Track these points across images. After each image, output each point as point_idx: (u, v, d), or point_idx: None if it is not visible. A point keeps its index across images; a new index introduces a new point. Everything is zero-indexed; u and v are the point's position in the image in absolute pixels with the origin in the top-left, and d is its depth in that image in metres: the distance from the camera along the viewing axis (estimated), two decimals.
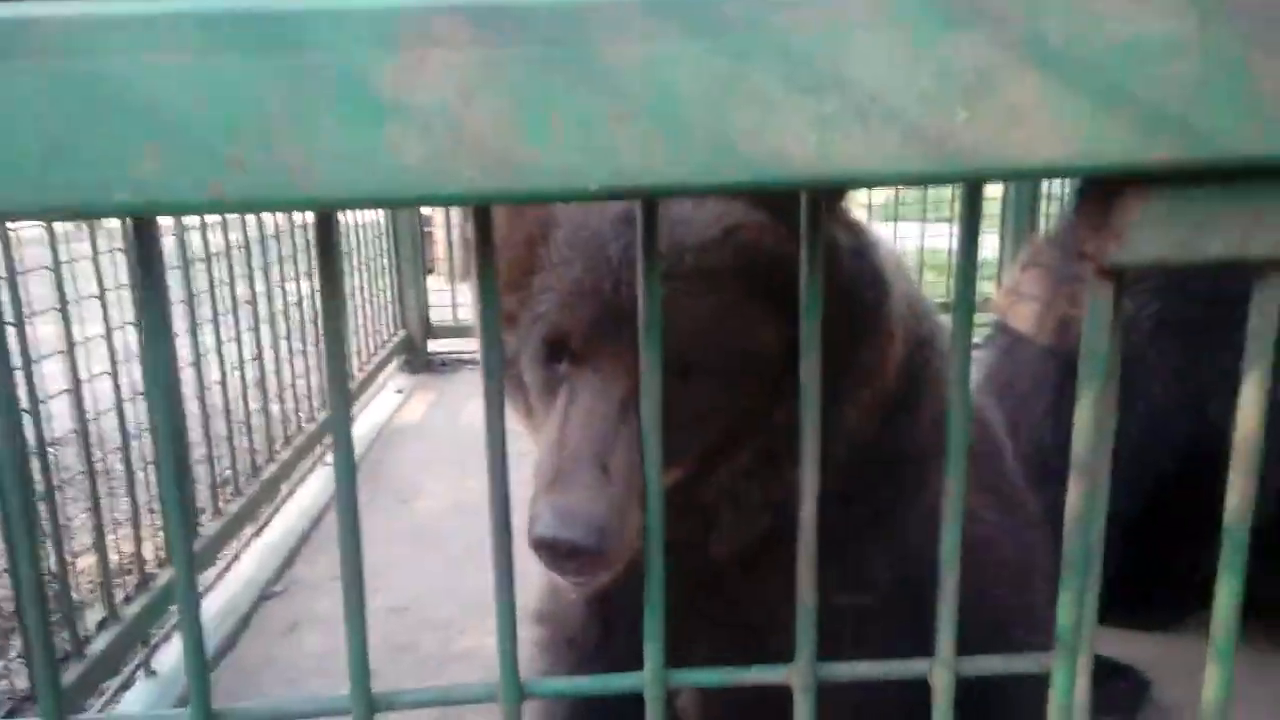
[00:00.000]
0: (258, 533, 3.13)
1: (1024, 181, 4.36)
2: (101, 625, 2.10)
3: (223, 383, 2.87)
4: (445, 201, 0.47)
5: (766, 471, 1.06)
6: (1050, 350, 2.06)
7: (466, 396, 4.36)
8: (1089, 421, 0.54)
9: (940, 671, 0.65)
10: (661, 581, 0.64)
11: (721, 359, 0.99)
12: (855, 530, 1.08)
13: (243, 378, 3.02)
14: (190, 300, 2.66)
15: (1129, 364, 1.98)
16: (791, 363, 0.96)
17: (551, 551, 0.83)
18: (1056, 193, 4.82)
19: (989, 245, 5.12)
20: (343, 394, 0.58)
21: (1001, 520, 1.21)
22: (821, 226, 0.53)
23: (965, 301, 0.55)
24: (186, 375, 2.62)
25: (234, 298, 2.98)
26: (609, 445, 0.90)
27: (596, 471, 0.87)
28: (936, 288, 4.97)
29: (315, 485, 3.52)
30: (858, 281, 1.01)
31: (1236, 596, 0.56)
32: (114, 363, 2.23)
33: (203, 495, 2.73)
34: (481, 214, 0.54)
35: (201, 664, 0.60)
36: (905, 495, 1.12)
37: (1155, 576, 2.32)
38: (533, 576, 1.37)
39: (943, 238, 4.84)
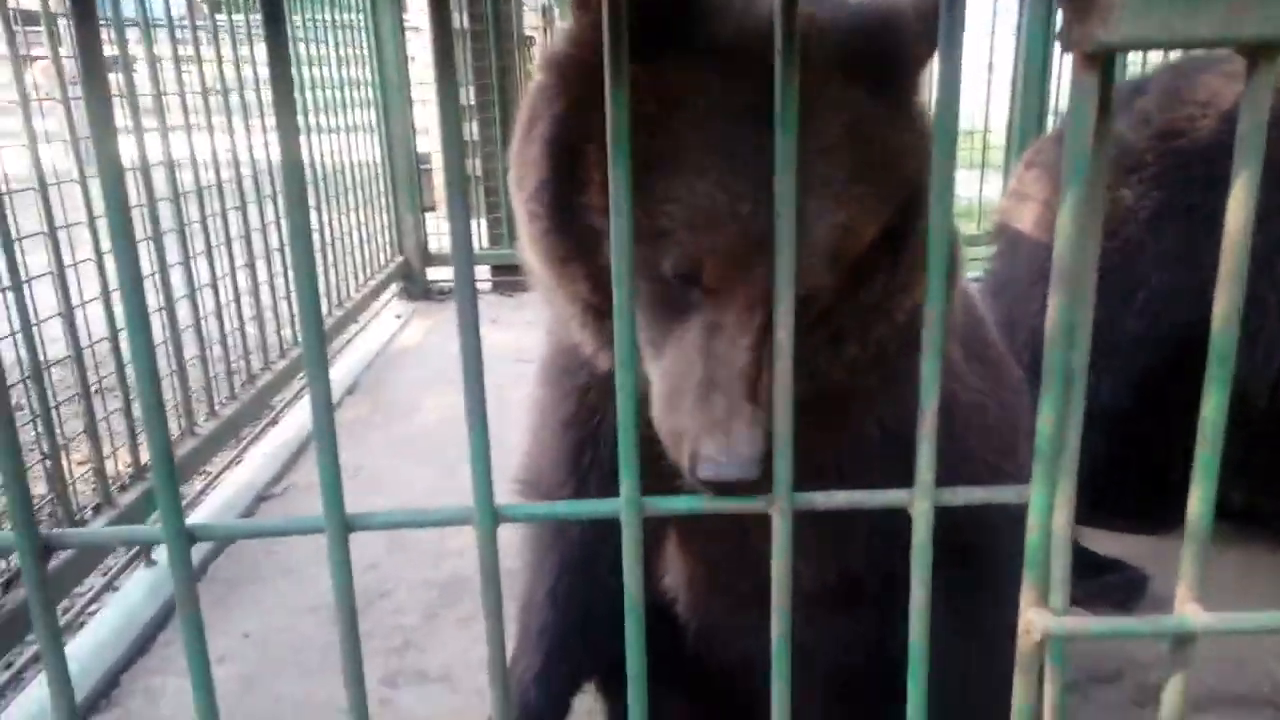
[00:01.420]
0: (254, 440, 3.16)
1: None
2: (97, 510, 2.13)
3: (215, 297, 2.86)
4: None
5: (831, 349, 1.03)
6: (1049, 246, 2.03)
7: None
8: (1071, 226, 0.52)
9: (920, 501, 0.64)
10: (634, 411, 0.63)
11: (845, 256, 0.94)
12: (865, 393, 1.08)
13: (234, 285, 3.00)
14: (183, 229, 2.64)
15: (1128, 255, 1.97)
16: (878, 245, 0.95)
17: (719, 487, 0.83)
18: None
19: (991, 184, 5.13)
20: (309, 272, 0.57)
21: (986, 385, 1.21)
22: None
23: (949, 111, 0.53)
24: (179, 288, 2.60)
25: (225, 222, 2.95)
26: (756, 374, 0.88)
27: (751, 407, 0.84)
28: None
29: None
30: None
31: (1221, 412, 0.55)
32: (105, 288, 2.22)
33: (199, 405, 2.74)
34: None
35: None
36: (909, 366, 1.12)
37: (1155, 478, 2.33)
38: (512, 443, 1.38)
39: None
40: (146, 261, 2.42)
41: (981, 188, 5.16)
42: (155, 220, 2.47)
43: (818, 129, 0.90)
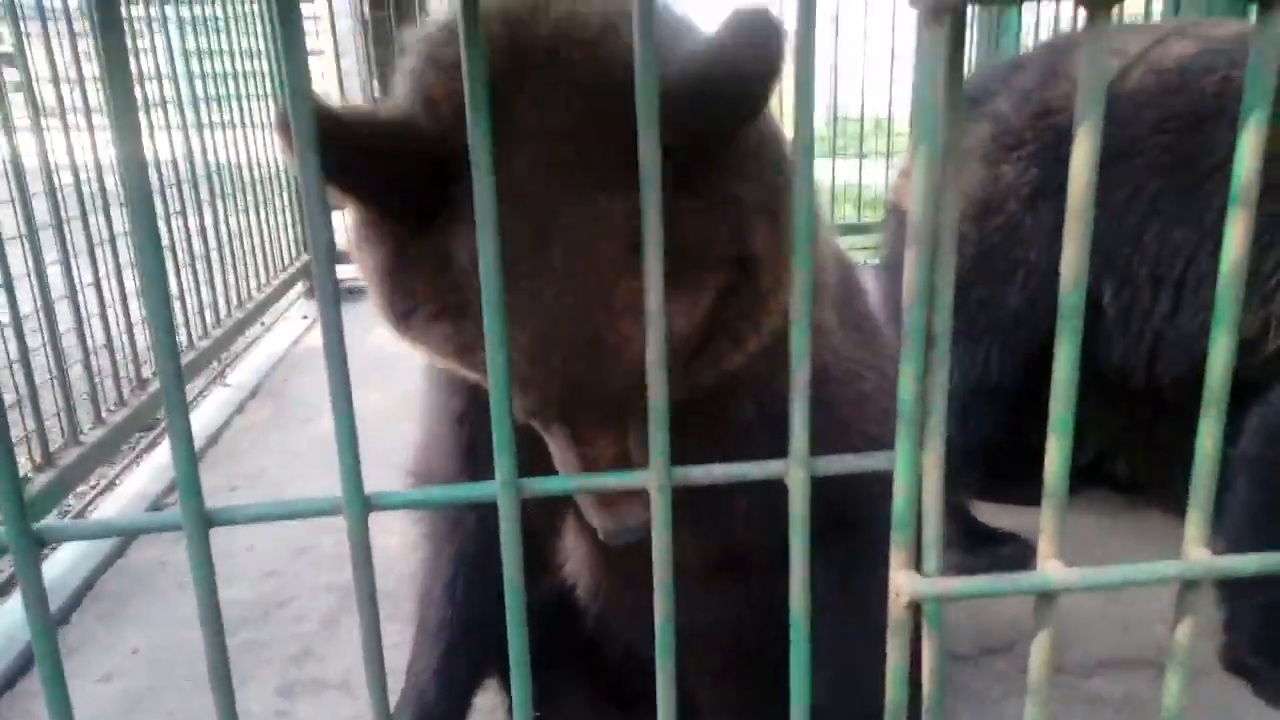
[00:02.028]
0: (149, 448, 3.03)
1: None
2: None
3: (99, 299, 2.74)
4: None
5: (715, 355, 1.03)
6: None
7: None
8: (923, 186, 0.52)
9: (795, 470, 0.64)
10: (506, 393, 0.62)
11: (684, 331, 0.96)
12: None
13: (120, 286, 2.87)
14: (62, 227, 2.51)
15: (1009, 232, 2.03)
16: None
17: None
18: None
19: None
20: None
21: (863, 355, 1.22)
22: None
23: (806, 87, 0.53)
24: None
25: (108, 220, 2.82)
26: (627, 458, 0.96)
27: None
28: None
29: (212, 404, 3.44)
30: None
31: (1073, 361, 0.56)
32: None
33: (84, 413, 2.61)
34: None
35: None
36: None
37: (1040, 452, 2.40)
38: (409, 436, 1.35)
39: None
40: (20, 261, 2.30)
41: (888, 176, 5.28)
42: (29, 219, 2.34)
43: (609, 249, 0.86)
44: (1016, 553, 2.14)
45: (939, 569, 0.64)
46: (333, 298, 0.58)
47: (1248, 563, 0.61)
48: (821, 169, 5.12)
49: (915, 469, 0.60)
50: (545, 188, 0.84)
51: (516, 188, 0.82)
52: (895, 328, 2.16)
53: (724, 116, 0.82)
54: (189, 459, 0.58)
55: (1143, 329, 1.90)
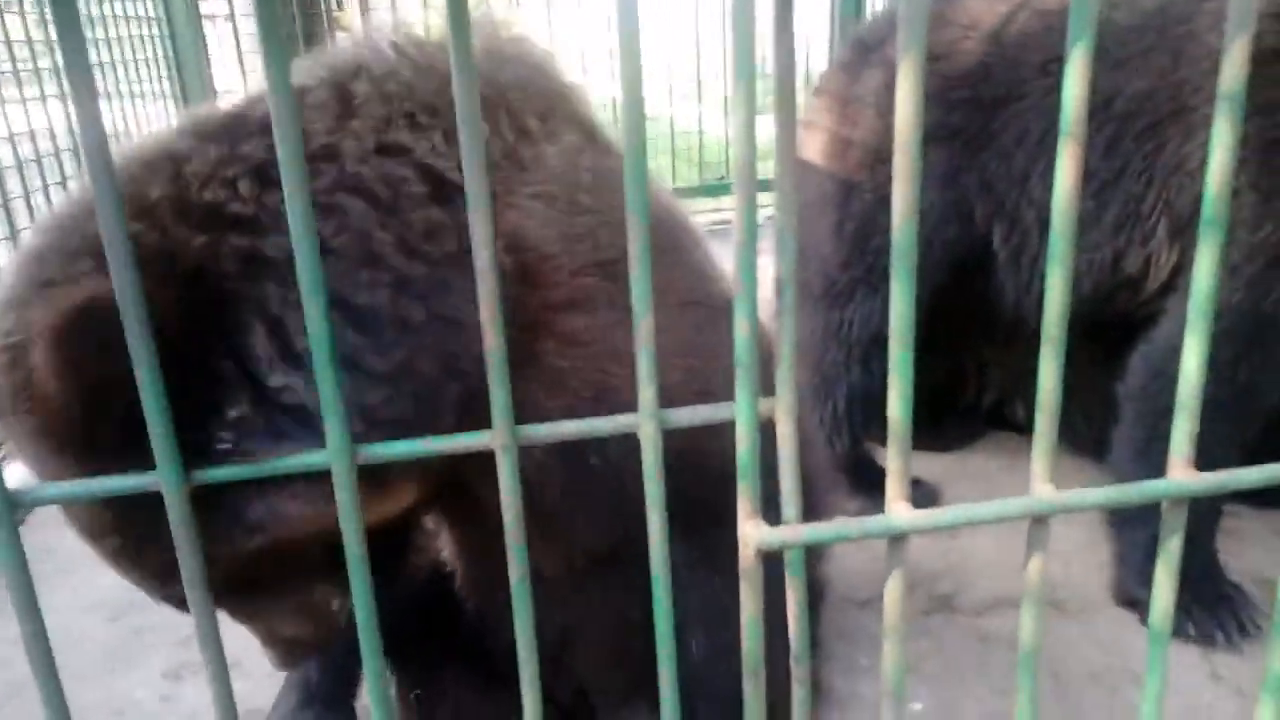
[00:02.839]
0: None
1: None
2: None
3: None
4: None
5: None
6: (832, 174, 2.07)
7: None
8: (742, 123, 0.50)
9: (646, 423, 0.62)
10: (331, 361, 0.58)
11: None
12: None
13: None
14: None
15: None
16: None
17: None
18: None
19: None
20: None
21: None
22: None
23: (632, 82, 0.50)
24: None
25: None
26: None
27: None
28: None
29: None
30: None
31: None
32: None
33: None
34: None
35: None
36: None
37: (944, 398, 2.45)
38: None
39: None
40: None
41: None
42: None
43: None
44: (918, 496, 2.17)
45: (798, 517, 0.63)
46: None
47: (1093, 496, 0.61)
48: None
49: (754, 417, 0.58)
50: None
51: None
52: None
53: None
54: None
55: (1031, 273, 1.93)
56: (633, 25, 0.53)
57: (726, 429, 0.63)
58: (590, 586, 1.22)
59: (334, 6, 5.07)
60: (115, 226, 0.50)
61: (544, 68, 1.13)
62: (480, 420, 1.02)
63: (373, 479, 0.98)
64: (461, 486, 1.13)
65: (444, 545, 1.28)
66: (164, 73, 4.26)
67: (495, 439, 0.63)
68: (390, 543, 1.33)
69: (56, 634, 1.88)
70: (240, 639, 1.64)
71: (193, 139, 0.96)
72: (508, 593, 1.27)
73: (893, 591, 0.62)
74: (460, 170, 0.99)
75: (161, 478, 0.58)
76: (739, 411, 0.58)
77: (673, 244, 1.18)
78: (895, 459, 0.59)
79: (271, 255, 0.92)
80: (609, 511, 1.09)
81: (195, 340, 0.91)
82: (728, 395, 1.05)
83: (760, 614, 0.63)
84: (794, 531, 0.59)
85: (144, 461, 0.57)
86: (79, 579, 2.09)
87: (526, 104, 1.07)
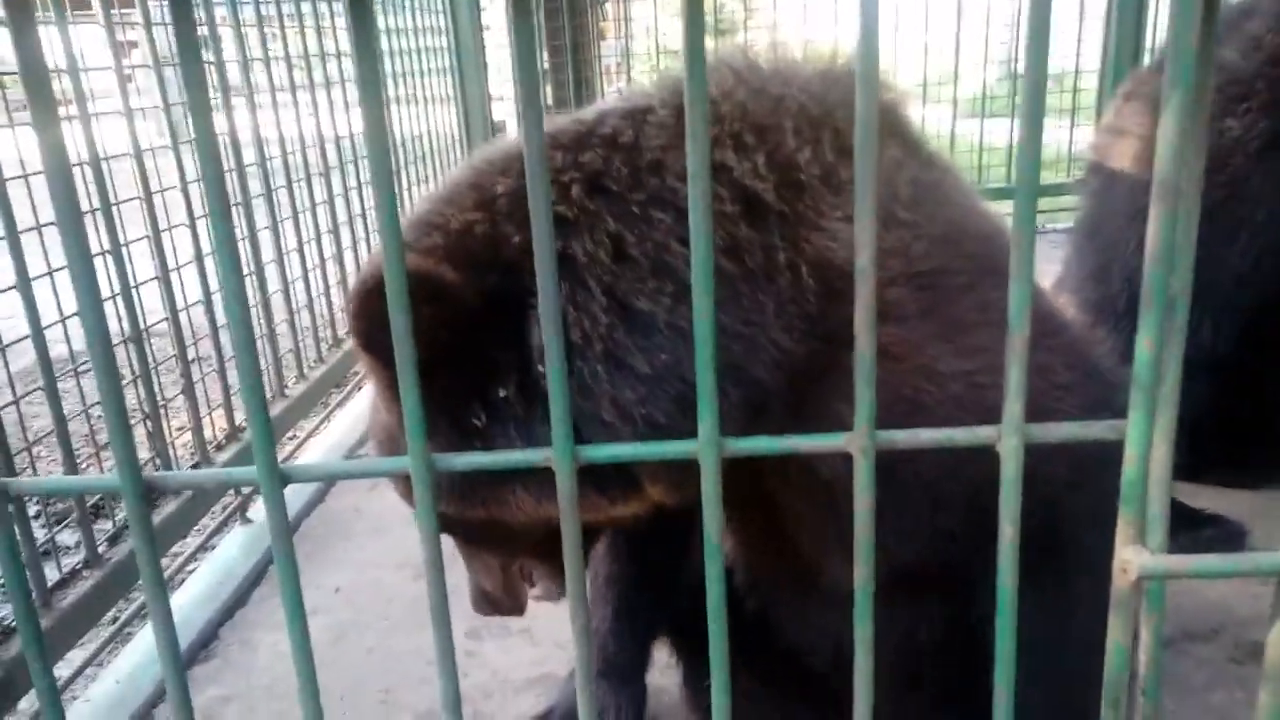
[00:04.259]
0: (341, 404, 3.24)
1: None
2: (194, 469, 2.22)
3: (302, 262, 2.94)
4: None
5: None
6: (1148, 184, 1.92)
7: None
8: (1173, 135, 0.49)
9: (1008, 438, 0.62)
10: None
11: None
12: None
13: (320, 251, 3.07)
14: (271, 195, 2.70)
15: (1233, 190, 1.86)
16: None
17: None
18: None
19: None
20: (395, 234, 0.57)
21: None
22: None
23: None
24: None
25: (309, 189, 3.01)
26: None
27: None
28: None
29: None
30: None
31: None
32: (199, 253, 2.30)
33: (288, 369, 2.82)
34: None
35: (266, 422, 0.61)
36: None
37: (1255, 427, 2.21)
38: None
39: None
40: (236, 227, 2.49)
41: (1072, 134, 4.95)
42: (244, 187, 2.54)
43: None
44: (1219, 535, 1.98)
45: (1164, 546, 0.60)
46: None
47: None
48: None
49: (1148, 438, 0.56)
50: None
51: None
52: (1090, 290, 2.01)
53: None
54: (417, 415, 0.61)
55: None
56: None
57: (1064, 450, 0.61)
58: (886, 607, 1.21)
59: (600, 17, 5.31)
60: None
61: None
62: (773, 421, 1.06)
63: (619, 477, 1.06)
64: (754, 485, 1.15)
65: (725, 541, 1.31)
66: (450, 80, 4.66)
67: (854, 441, 0.64)
68: (670, 535, 1.39)
69: (370, 589, 2.12)
70: (533, 605, 1.77)
71: (547, 145, 1.06)
72: (791, 594, 1.29)
73: (1278, 639, 0.58)
74: (775, 193, 1.04)
75: (555, 455, 0.64)
76: (1132, 432, 0.56)
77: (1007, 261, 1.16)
78: None
79: (572, 254, 1.00)
80: (916, 528, 1.09)
81: (490, 327, 1.01)
82: (1052, 415, 1.03)
83: (1130, 643, 0.61)
84: (1180, 561, 0.57)
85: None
86: (391, 539, 2.33)
87: (852, 123, 1.08)
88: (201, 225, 2.28)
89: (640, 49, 5.71)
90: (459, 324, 1.00)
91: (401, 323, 0.58)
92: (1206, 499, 2.08)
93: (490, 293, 1.01)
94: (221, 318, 2.37)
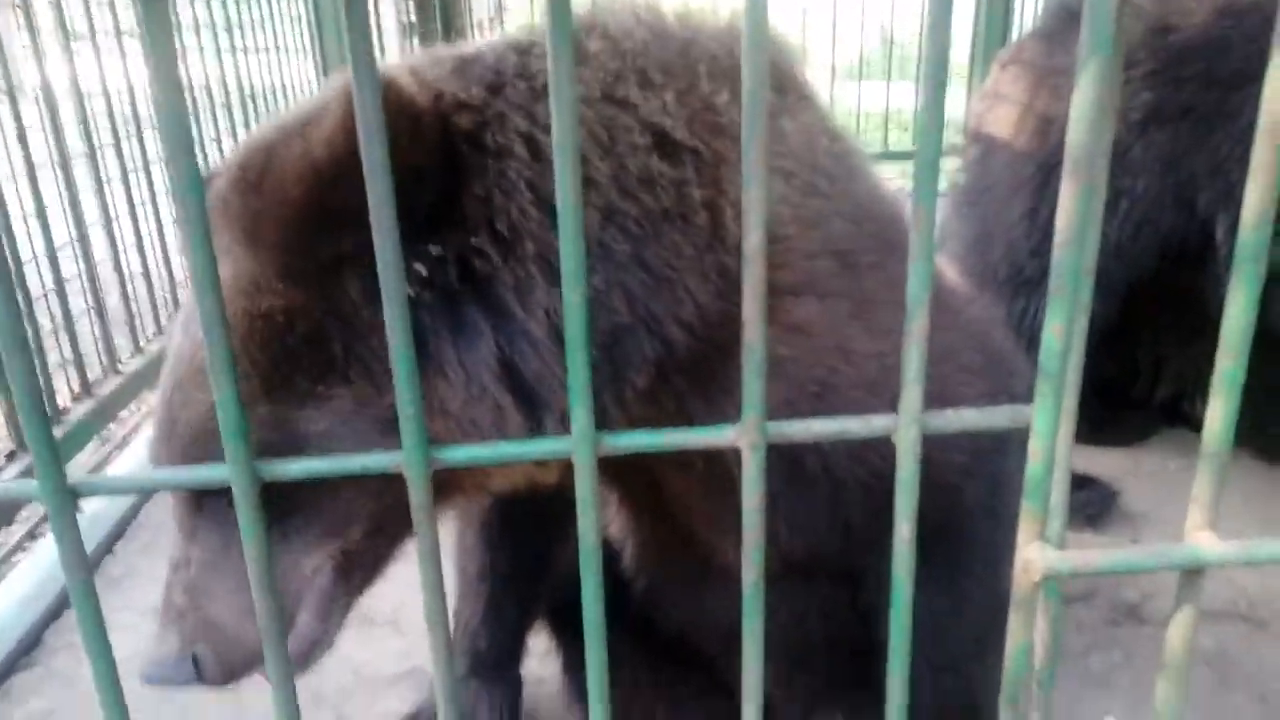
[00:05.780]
0: None
1: None
2: (10, 458, 2.00)
3: (135, 228, 2.70)
4: None
5: None
6: (1029, 153, 1.94)
7: None
8: (1089, 107, 0.44)
9: (907, 427, 0.58)
10: (586, 354, 0.55)
11: None
12: None
13: (157, 214, 2.83)
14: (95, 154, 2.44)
15: (1113, 161, 1.90)
16: None
17: None
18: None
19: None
20: None
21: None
22: None
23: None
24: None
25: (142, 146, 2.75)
26: None
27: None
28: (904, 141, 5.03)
29: None
30: None
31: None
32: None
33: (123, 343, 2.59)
34: None
35: (46, 427, 0.50)
36: None
37: (1125, 391, 2.31)
38: None
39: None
40: (54, 189, 2.25)
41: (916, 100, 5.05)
42: (61, 146, 2.29)
43: None
44: (1093, 498, 2.06)
45: (1063, 537, 0.58)
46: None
47: None
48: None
49: (1054, 430, 0.53)
50: None
51: None
52: (971, 259, 2.02)
53: None
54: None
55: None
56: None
57: (962, 438, 0.58)
58: (778, 592, 1.19)
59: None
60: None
61: (777, 46, 1.10)
62: (672, 391, 0.99)
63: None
64: (641, 466, 1.10)
65: (612, 520, 1.25)
66: (306, 30, 4.39)
67: (744, 435, 0.58)
68: (546, 519, 1.32)
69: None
70: (401, 593, 1.67)
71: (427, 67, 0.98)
72: (679, 575, 1.25)
73: (1182, 627, 0.56)
74: (688, 129, 0.97)
75: (407, 460, 0.56)
76: (1039, 422, 0.52)
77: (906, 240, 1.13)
78: (1206, 484, 0.53)
79: (485, 143, 0.91)
80: (815, 519, 1.06)
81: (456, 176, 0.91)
82: (959, 401, 0.98)
83: (1031, 642, 0.57)
84: (1085, 558, 0.54)
85: None
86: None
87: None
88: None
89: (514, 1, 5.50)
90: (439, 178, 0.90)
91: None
92: (1079, 459, 2.14)
93: (457, 158, 0.91)
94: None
